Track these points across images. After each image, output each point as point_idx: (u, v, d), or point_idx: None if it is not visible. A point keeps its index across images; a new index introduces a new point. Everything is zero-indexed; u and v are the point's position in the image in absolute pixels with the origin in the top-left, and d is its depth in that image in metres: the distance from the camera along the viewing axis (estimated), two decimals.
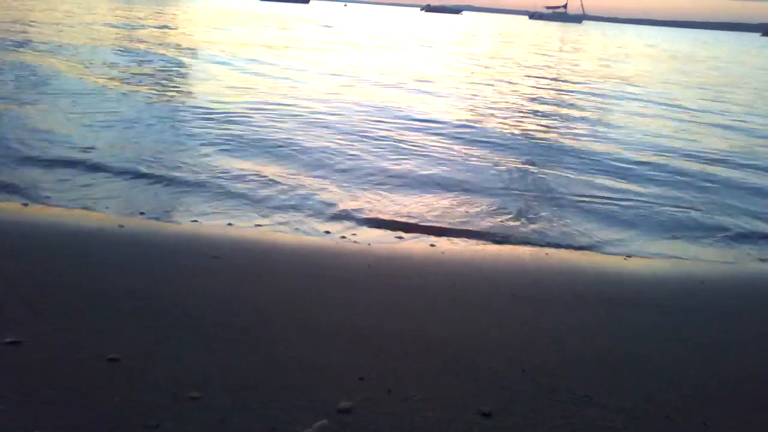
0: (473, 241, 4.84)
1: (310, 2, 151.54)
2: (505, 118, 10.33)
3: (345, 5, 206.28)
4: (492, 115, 10.58)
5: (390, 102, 10.90)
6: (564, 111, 11.65)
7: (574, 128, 9.78)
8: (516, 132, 9.16)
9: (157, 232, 4.60)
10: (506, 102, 12.27)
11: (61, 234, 4.36)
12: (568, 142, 8.63)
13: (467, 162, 7.24)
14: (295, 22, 43.51)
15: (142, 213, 4.93)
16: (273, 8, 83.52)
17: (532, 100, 12.86)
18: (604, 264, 4.56)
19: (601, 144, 8.63)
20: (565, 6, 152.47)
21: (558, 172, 7.02)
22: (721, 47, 60.09)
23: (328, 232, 4.81)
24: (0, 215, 4.72)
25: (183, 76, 12.26)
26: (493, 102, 12.13)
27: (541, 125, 9.92)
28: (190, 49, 17.09)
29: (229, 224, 4.82)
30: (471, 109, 10.96)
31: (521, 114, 10.89)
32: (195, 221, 4.85)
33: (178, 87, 10.79)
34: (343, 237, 4.73)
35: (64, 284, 3.43)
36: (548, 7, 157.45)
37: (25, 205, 5.00)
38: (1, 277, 3.46)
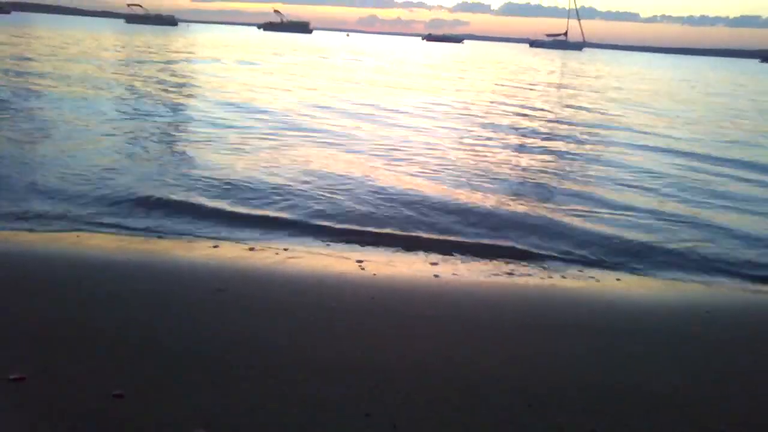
0: (477, 270, 4.84)
1: (313, 32, 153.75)
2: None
3: (347, 35, 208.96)
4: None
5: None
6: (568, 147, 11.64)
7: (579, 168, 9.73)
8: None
9: (163, 263, 4.61)
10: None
11: (64, 266, 4.37)
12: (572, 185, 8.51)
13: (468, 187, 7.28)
14: (328, 52, 44.42)
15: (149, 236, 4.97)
16: (279, 38, 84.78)
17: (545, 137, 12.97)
18: (610, 293, 4.54)
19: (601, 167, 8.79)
20: (565, 34, 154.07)
21: (560, 206, 6.99)
22: (734, 75, 60.49)
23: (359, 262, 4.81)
24: (5, 246, 4.75)
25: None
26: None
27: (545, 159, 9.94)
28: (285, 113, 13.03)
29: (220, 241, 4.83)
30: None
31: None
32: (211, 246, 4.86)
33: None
34: (360, 262, 4.76)
35: (68, 318, 3.44)
36: (549, 35, 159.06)
37: (31, 231, 5.08)
38: (4, 312, 3.47)
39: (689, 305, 4.39)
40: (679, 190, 7.84)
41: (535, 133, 12.23)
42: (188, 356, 3.05)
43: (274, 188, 6.74)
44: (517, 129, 12.59)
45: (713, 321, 4.12)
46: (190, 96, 14.60)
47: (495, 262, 5.05)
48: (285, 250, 5.02)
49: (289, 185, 6.85)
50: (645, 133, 12.82)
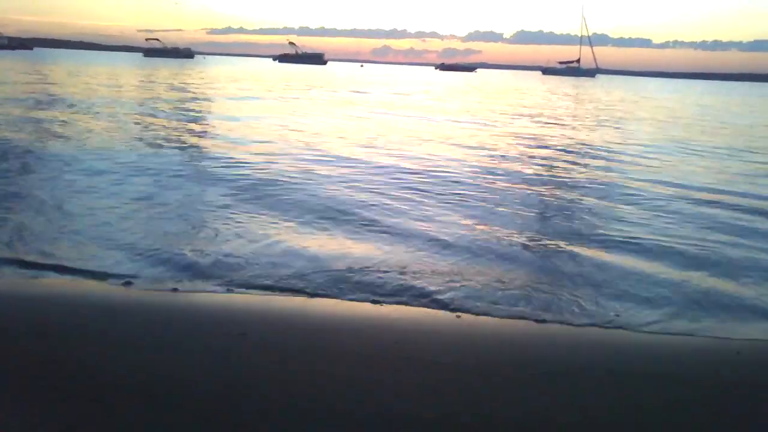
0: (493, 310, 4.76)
1: (328, 63, 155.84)
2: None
3: (361, 66, 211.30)
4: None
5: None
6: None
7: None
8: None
9: (177, 304, 4.61)
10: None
11: (68, 306, 4.38)
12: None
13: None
14: (354, 83, 44.81)
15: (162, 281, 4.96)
16: (299, 70, 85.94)
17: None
18: (638, 340, 4.42)
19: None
20: (578, 61, 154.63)
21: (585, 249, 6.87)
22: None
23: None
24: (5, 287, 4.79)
25: None
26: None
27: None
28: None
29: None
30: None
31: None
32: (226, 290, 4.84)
33: None
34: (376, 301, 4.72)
35: (75, 363, 3.43)
36: (561, 63, 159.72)
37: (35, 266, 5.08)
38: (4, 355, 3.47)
39: (718, 346, 4.29)
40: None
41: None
42: (203, 407, 3.02)
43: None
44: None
45: (744, 362, 4.01)
46: (273, 156, 11.51)
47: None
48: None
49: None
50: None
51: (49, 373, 3.32)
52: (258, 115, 18.74)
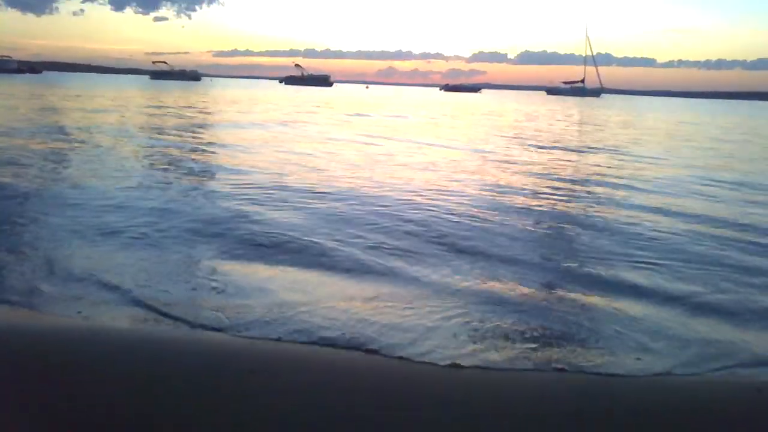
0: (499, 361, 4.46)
1: (333, 84, 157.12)
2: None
3: (367, 87, 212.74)
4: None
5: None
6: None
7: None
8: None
9: (181, 341, 4.54)
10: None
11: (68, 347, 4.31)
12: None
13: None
14: (365, 106, 44.76)
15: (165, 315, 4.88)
16: (302, 92, 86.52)
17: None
18: (649, 384, 4.25)
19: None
20: (582, 81, 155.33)
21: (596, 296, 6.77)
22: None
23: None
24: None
25: None
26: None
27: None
28: None
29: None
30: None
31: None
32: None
33: None
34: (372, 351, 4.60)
35: (83, 399, 3.36)
36: (565, 83, 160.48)
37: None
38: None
39: (739, 385, 4.18)
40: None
41: None
42: None
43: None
44: None
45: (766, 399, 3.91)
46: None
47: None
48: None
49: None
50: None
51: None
52: (254, 144, 18.38)
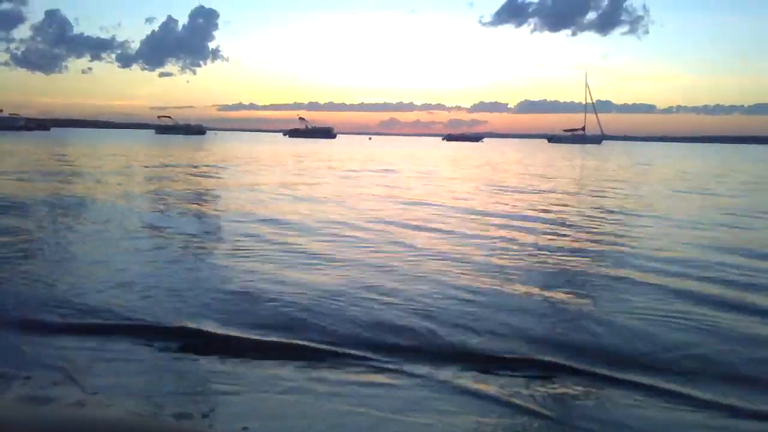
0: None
1: (337, 136, 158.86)
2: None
3: (370, 138, 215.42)
4: None
5: None
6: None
7: None
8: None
9: None
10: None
11: None
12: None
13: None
14: (377, 159, 44.63)
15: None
16: (307, 145, 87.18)
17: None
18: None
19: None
20: (583, 128, 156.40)
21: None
22: None
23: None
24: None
25: None
26: None
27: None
28: None
29: None
30: None
31: None
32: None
33: None
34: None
35: None
36: (566, 130, 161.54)
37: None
38: None
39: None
40: None
41: None
42: None
43: None
44: None
45: None
46: None
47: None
48: None
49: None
50: None
51: None
52: (257, 209, 18.06)
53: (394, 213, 15.13)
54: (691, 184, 27.95)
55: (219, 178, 24.01)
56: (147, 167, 30.28)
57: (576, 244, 11.36)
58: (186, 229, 11.95)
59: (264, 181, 23.64)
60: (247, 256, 9.37)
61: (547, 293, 7.66)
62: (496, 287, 7.83)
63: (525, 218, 14.76)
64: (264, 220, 13.23)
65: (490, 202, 18.40)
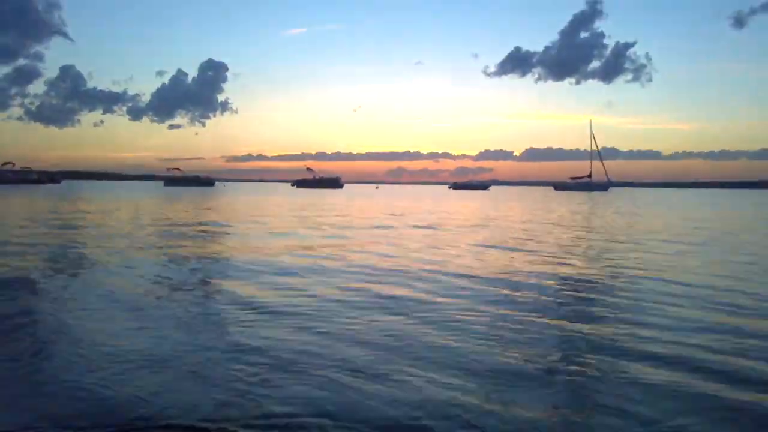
0: None
1: (344, 186, 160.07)
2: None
3: (377, 187, 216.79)
4: None
5: None
6: None
7: None
8: None
9: None
10: None
11: None
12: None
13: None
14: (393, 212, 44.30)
15: None
16: (313, 195, 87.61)
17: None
18: None
19: None
20: (589, 176, 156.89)
21: None
22: None
23: None
24: None
25: None
26: None
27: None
28: None
29: None
30: None
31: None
32: None
33: None
34: None
35: None
36: (572, 178, 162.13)
37: None
38: None
39: None
40: None
41: None
42: None
43: None
44: None
45: None
46: None
47: None
48: None
49: None
50: None
51: None
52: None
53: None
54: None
55: (225, 241, 23.66)
56: (152, 227, 30.19)
57: None
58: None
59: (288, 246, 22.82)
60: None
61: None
62: None
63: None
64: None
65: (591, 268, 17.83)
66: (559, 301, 11.67)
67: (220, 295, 11.71)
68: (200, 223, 30.52)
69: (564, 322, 9.81)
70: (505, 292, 12.40)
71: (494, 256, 18.93)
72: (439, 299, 11.52)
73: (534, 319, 9.93)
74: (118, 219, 33.28)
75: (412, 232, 27.45)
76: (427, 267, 15.87)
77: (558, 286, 13.24)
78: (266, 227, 29.33)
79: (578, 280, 14.12)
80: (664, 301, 11.59)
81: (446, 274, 14.75)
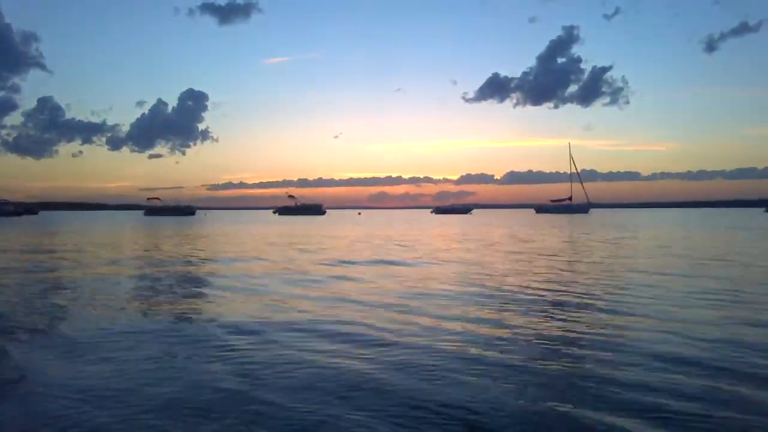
0: None
1: (326, 212, 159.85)
2: None
3: (359, 213, 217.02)
4: None
5: None
6: None
7: None
8: None
9: None
10: None
11: None
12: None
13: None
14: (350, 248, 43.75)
15: None
16: (294, 223, 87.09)
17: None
18: None
19: None
20: (570, 198, 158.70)
21: None
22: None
23: None
24: None
25: None
26: None
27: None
28: None
29: None
30: None
31: None
32: None
33: None
34: None
35: None
36: (553, 201, 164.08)
37: None
38: None
39: None
40: None
41: None
42: None
43: None
44: None
45: None
46: None
47: None
48: None
49: None
50: None
51: None
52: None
53: None
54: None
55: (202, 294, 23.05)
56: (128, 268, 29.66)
57: None
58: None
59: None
60: None
61: None
62: None
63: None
64: None
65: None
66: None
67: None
68: (186, 259, 29.93)
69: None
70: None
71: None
72: None
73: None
74: (102, 258, 32.64)
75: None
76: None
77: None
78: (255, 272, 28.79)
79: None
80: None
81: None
